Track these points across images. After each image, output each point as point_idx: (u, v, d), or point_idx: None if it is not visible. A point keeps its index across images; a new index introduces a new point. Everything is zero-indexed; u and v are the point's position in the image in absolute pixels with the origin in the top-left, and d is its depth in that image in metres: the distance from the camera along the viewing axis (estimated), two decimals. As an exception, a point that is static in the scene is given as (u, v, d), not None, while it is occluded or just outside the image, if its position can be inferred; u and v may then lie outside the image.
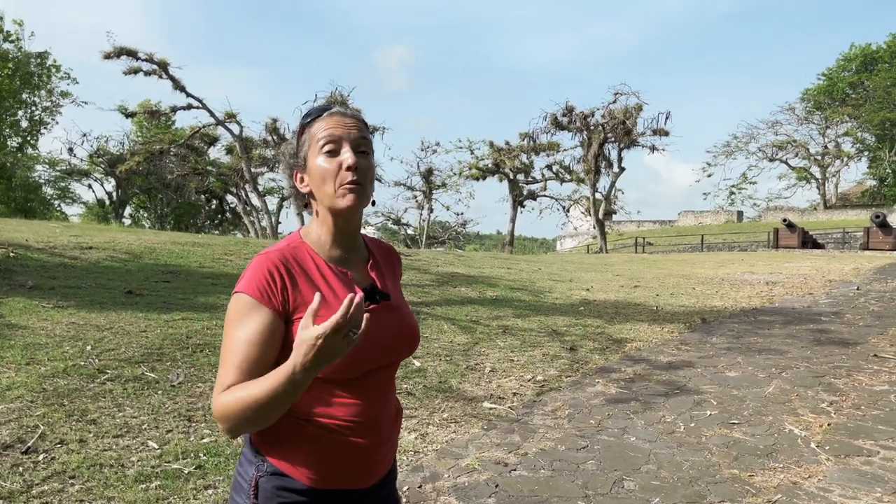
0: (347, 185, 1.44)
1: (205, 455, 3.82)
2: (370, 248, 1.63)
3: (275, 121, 31.63)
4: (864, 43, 56.01)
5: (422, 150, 39.90)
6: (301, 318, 1.36)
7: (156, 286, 8.30)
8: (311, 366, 1.24)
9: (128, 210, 43.65)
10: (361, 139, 1.48)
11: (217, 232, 41.87)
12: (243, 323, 1.37)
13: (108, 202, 41.08)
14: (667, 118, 31.71)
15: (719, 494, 3.71)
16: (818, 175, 57.35)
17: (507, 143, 35.87)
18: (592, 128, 31.98)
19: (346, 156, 1.44)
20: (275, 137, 32.03)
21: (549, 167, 36.31)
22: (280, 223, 35.85)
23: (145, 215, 44.72)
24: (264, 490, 1.42)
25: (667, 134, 31.83)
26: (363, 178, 1.46)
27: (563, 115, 32.28)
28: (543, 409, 5.16)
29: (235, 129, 30.38)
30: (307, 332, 1.23)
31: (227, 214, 41.90)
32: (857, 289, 13.26)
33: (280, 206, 36.63)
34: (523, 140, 34.37)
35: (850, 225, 36.43)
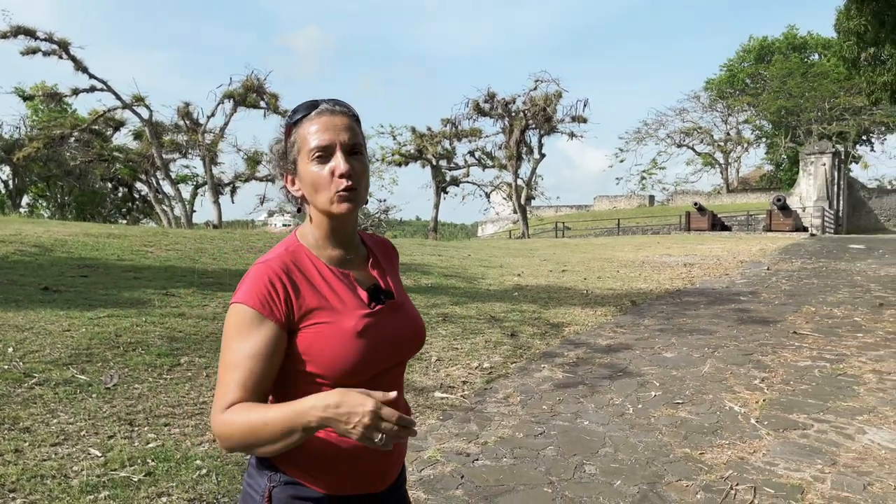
0: (342, 193, 1.37)
1: (153, 461, 3.60)
2: (368, 245, 1.58)
3: (187, 104, 30.40)
4: (761, 35, 58.94)
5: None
6: (308, 326, 1.33)
7: (73, 281, 7.80)
8: (340, 432, 1.19)
9: (25, 199, 40.86)
10: (353, 141, 1.40)
11: (125, 221, 39.90)
12: (245, 336, 1.31)
13: (3, 191, 38.33)
14: (585, 105, 32.50)
15: (676, 473, 3.82)
16: (721, 160, 60.24)
17: (430, 129, 35.86)
18: (514, 114, 32.40)
19: (339, 162, 1.36)
20: (187, 122, 30.78)
21: (471, 153, 36.58)
22: (195, 211, 34.55)
23: (44, 204, 42.01)
24: (279, 500, 1.37)
25: (585, 121, 32.64)
26: (357, 183, 1.38)
27: (485, 101, 32.52)
28: (495, 396, 5.17)
29: (144, 113, 29.03)
30: (360, 402, 1.17)
31: (137, 203, 39.90)
32: (768, 269, 14.04)
33: (195, 194, 35.27)
34: (445, 126, 34.41)
35: (752, 208, 38.51)
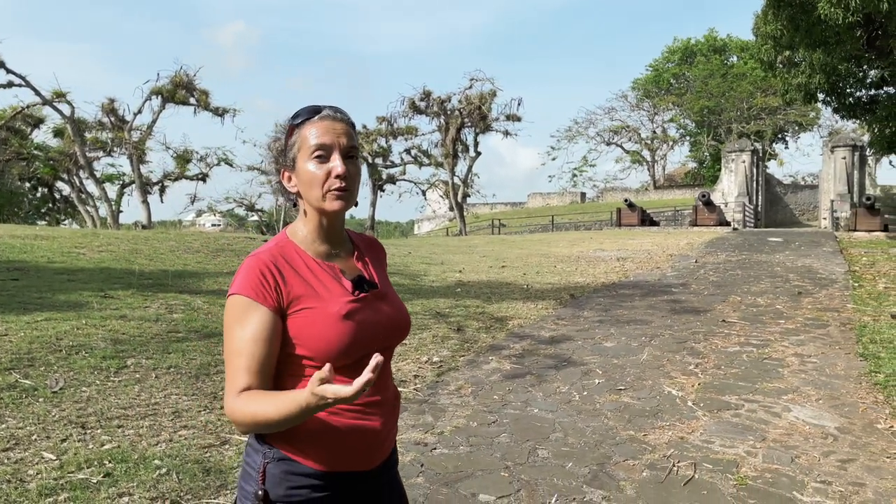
0: (335, 191, 1.49)
1: (110, 462, 3.58)
2: (354, 241, 1.69)
3: (112, 101, 29.28)
4: (685, 37, 61.33)
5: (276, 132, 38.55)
6: (296, 311, 1.45)
7: (4, 285, 7.50)
8: (325, 408, 1.31)
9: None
10: (350, 146, 1.52)
11: (44, 222, 38.09)
12: (244, 323, 1.42)
13: None
14: (519, 104, 33.13)
15: (623, 454, 4.05)
16: (648, 158, 62.27)
17: (365, 126, 35.70)
18: (450, 112, 32.66)
19: (336, 164, 1.48)
20: (112, 119, 29.66)
21: (407, 151, 36.68)
22: (122, 211, 33.29)
23: (-44, 206, 39.65)
24: (272, 476, 1.46)
25: (519, 119, 33.24)
26: (351, 185, 1.51)
27: (421, 99, 32.66)
28: (447, 388, 5.31)
29: (66, 109, 27.81)
30: (326, 390, 1.24)
31: (58, 203, 38.15)
32: (695, 262, 14.70)
33: (121, 194, 33.96)
34: (381, 124, 34.39)
35: (678, 203, 40.06)
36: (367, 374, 1.24)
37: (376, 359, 1.26)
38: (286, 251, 1.52)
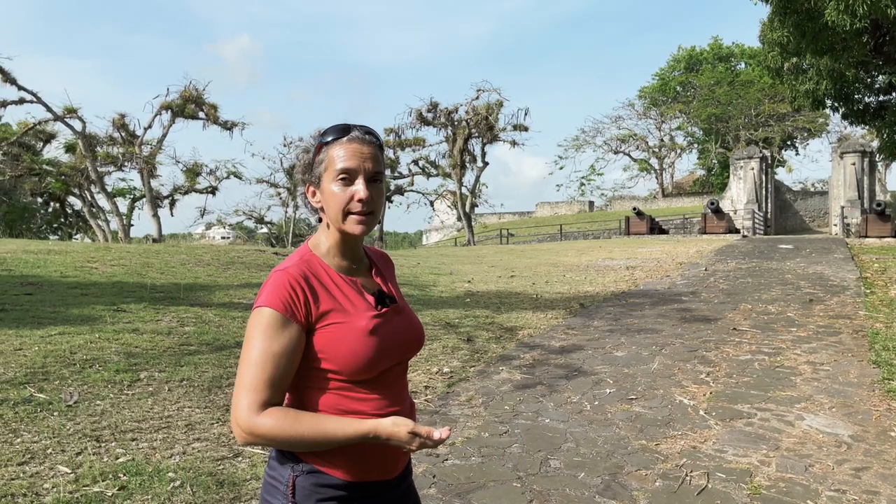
0: (357, 215, 1.52)
1: (125, 475, 3.60)
2: (370, 256, 1.72)
3: (123, 116, 29.45)
4: (689, 45, 61.34)
5: (284, 145, 38.85)
6: (324, 326, 1.48)
7: (18, 300, 7.57)
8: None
9: (-52, 217, 38.83)
10: (376, 170, 1.54)
11: (56, 237, 38.37)
12: (273, 337, 1.44)
13: (-76, 208, 36.35)
14: (526, 114, 33.34)
15: (635, 464, 4.04)
16: (656, 166, 62.23)
17: (372, 138, 35.66)
18: (457, 123, 32.74)
19: (360, 188, 1.51)
20: (123, 134, 29.86)
21: (415, 162, 36.71)
22: (133, 225, 33.48)
23: (-31, 222, 40.00)
24: (302, 488, 1.48)
25: (526, 129, 33.26)
26: (373, 207, 1.54)
27: (428, 110, 32.75)
28: (458, 399, 5.32)
29: (77, 125, 28.01)
30: (410, 431, 1.42)
31: (70, 218, 38.43)
32: (705, 270, 14.65)
33: (132, 208, 34.17)
34: (389, 135, 34.47)
35: (687, 211, 39.96)
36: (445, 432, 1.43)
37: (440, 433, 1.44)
38: (312, 266, 1.54)
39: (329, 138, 1.55)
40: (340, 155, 1.52)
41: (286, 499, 1.48)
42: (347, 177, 1.51)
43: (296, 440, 1.41)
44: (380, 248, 1.85)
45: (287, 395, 1.51)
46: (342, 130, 1.55)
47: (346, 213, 1.51)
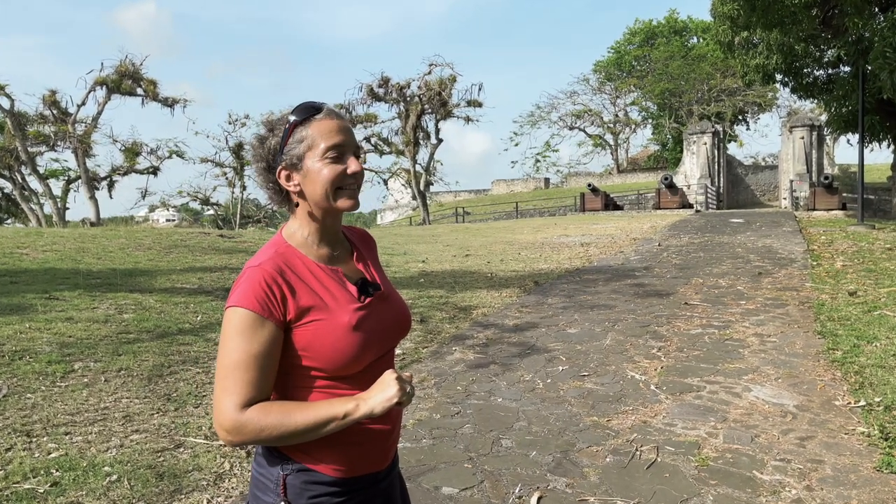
0: (350, 190, 1.50)
1: (58, 471, 3.44)
2: (350, 239, 1.66)
3: (54, 92, 28.16)
4: (646, 18, 61.51)
5: (230, 123, 37.86)
6: (304, 323, 1.43)
7: (-54, 288, 7.18)
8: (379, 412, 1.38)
9: None
10: (357, 145, 1.53)
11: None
12: (249, 337, 1.39)
13: None
14: (480, 89, 32.93)
15: (586, 440, 4.03)
16: (611, 142, 62.78)
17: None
18: (409, 99, 32.29)
19: (351, 163, 1.49)
20: (55, 111, 28.55)
21: (367, 139, 36.15)
22: (68, 208, 32.15)
23: None
24: (293, 486, 1.46)
25: (480, 105, 33.05)
26: (361, 182, 1.53)
27: (380, 86, 32.16)
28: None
29: (5, 102, 26.77)
30: (390, 392, 1.36)
31: (0, 202, 36.73)
32: (658, 245, 14.83)
33: (67, 190, 32.69)
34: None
35: (641, 187, 40.44)
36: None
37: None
38: (289, 259, 1.48)
39: (303, 117, 1.48)
40: (325, 132, 1.47)
41: (277, 497, 1.46)
42: (337, 153, 1.47)
43: (288, 429, 1.36)
44: (361, 229, 1.79)
45: (273, 394, 1.46)
46: (316, 109, 1.49)
47: (337, 189, 1.47)
